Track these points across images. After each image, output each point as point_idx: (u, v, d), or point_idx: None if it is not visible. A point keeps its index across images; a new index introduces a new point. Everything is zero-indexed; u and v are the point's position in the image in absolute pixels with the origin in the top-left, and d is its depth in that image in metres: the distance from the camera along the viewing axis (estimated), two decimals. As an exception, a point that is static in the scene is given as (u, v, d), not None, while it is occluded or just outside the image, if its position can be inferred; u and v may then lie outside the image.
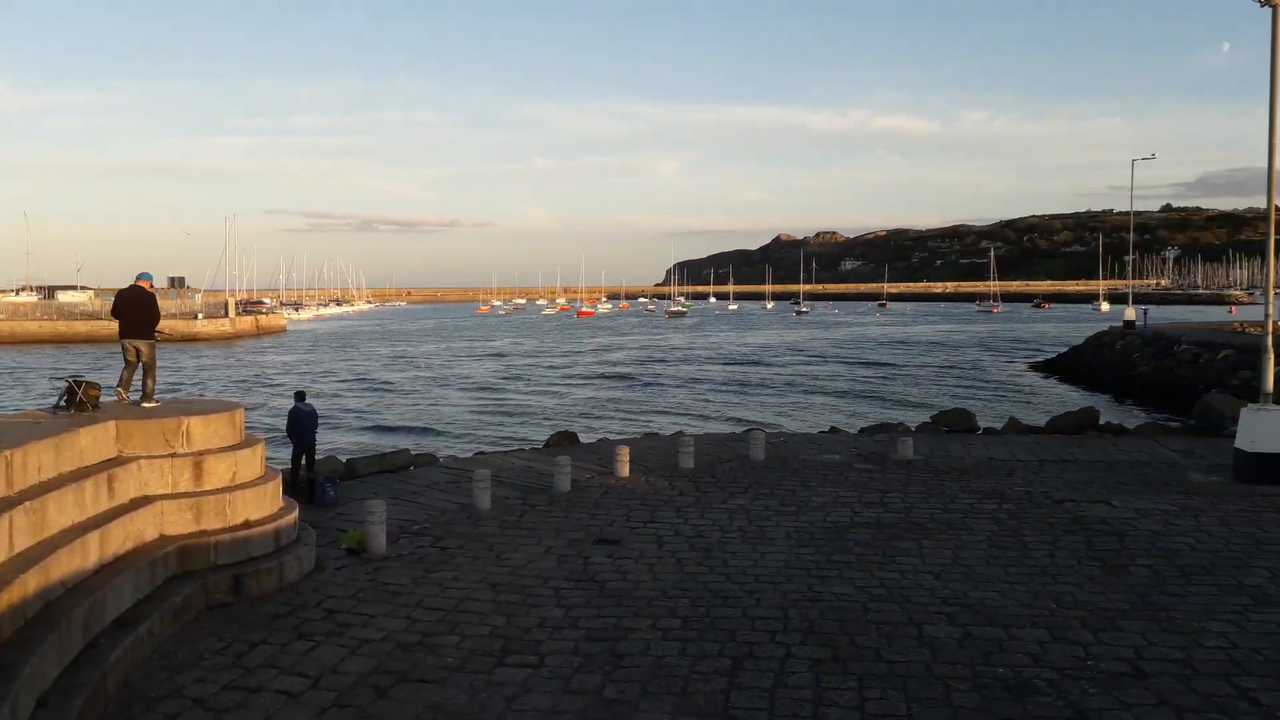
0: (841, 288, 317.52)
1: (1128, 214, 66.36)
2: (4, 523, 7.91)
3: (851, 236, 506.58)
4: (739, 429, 29.98)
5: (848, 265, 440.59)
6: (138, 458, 10.72)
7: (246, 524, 11.02)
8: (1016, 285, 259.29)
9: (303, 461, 15.39)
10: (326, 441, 30.45)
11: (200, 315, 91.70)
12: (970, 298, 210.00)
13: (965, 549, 12.27)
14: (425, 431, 35.47)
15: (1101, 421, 23.21)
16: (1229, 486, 15.88)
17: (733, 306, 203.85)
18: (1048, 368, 56.59)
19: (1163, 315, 73.90)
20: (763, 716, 7.46)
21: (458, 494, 15.62)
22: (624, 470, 17.23)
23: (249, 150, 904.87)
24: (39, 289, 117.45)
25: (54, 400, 11.79)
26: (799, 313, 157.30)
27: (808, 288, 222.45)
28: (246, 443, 11.91)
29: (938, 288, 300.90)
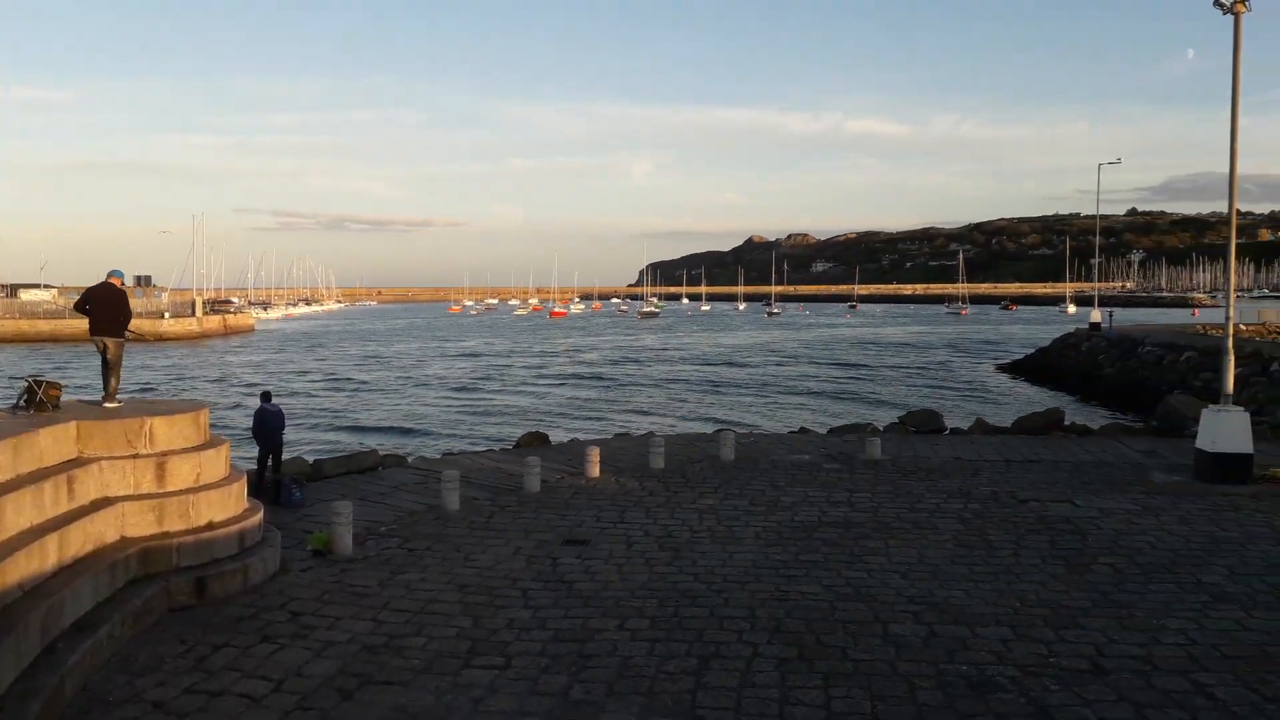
0: (813, 289, 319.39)
1: (1094, 218, 67.26)
2: (-41, 525, 7.77)
3: (823, 238, 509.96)
4: (710, 429, 30.05)
5: (819, 267, 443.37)
6: (99, 459, 10.56)
7: (210, 525, 10.90)
8: (985, 287, 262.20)
9: (269, 462, 15.24)
10: (294, 442, 30.22)
11: (167, 314, 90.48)
12: (939, 299, 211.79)
13: (931, 548, 12.37)
14: (394, 432, 35.26)
15: (1067, 422, 23.50)
16: (1190, 486, 16.14)
17: (705, 308, 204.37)
18: (1015, 369, 57.22)
19: (1128, 317, 74.97)
20: (729, 716, 7.48)
21: (426, 495, 15.54)
22: (594, 471, 17.22)
23: (219, 148, 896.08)
24: (2, 287, 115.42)
25: (13, 400, 11.59)
26: (770, 314, 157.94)
27: (779, 289, 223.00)
28: (211, 443, 11.77)
29: (907, 289, 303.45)
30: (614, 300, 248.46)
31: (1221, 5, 16.63)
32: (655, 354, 76.24)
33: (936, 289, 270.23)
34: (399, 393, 48.89)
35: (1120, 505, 14.71)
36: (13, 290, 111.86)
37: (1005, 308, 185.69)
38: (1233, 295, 17.81)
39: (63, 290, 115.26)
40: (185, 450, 11.27)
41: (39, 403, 11.14)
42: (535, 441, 21.68)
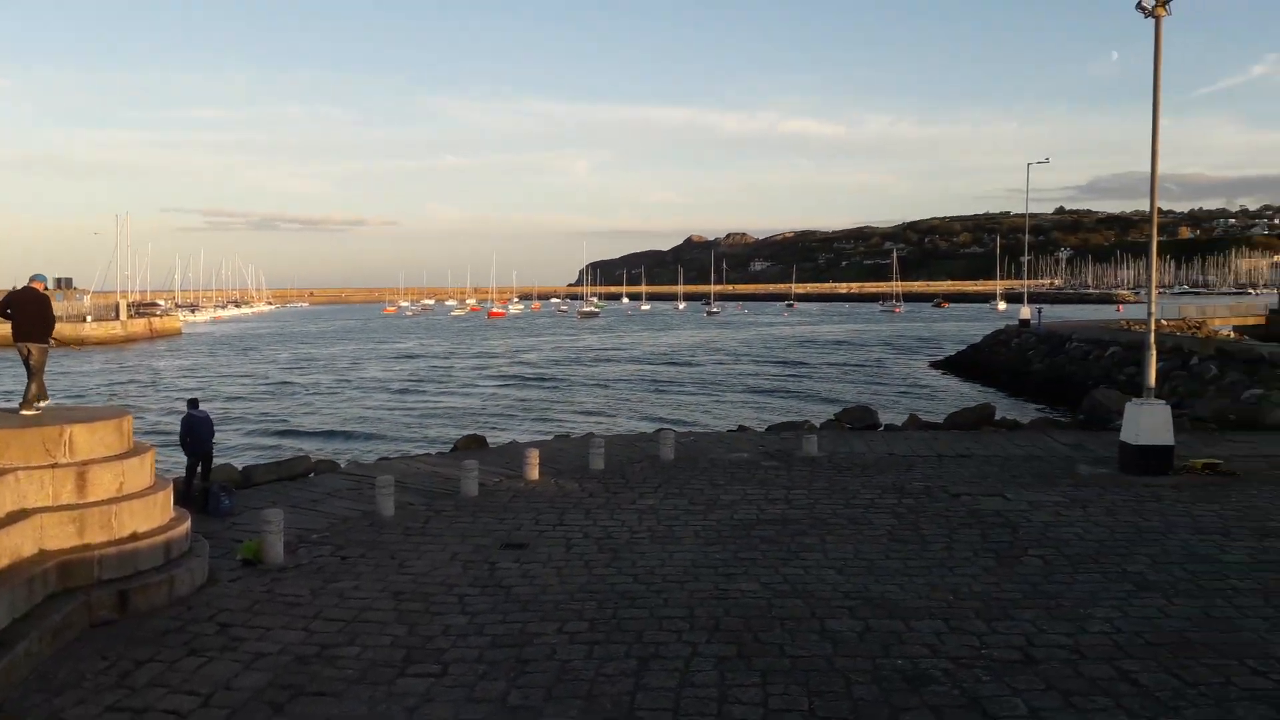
0: (751, 288, 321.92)
1: (1024, 216, 69.08)
2: None
3: (761, 238, 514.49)
4: (651, 428, 30.09)
5: (757, 266, 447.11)
6: (15, 469, 10.15)
7: (134, 536, 10.55)
8: (918, 285, 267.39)
9: (198, 470, 14.85)
10: (225, 448, 29.51)
11: (89, 318, 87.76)
12: (874, 298, 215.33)
13: (866, 543, 12.54)
14: (328, 436, 34.64)
15: (997, 417, 24.05)
16: (1115, 478, 16.61)
17: (645, 307, 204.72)
18: (948, 365, 58.41)
19: (1056, 314, 76.92)
20: (668, 717, 7.47)
21: (360, 501, 15.27)
22: (533, 473, 17.10)
23: (143, 144, 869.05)
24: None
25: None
26: (710, 313, 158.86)
27: (718, 288, 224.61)
28: (135, 451, 11.41)
29: (843, 288, 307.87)
30: (554, 300, 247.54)
31: (1143, 9, 17.15)
32: (595, 354, 76.14)
33: (871, 287, 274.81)
34: (333, 396, 48.06)
35: (1049, 498, 15.08)
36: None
37: (938, 305, 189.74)
38: (1155, 292, 18.35)
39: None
40: (107, 459, 10.90)
41: (-51, 412, 10.68)
42: (473, 444, 21.46)
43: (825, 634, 9.22)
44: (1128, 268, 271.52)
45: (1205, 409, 24.14)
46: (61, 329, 76.16)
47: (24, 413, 11.58)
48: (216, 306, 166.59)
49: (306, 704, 7.76)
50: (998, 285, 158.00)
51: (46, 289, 12.55)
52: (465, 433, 25.82)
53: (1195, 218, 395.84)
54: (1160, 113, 17.47)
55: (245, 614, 9.94)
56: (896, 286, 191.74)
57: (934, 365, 60.54)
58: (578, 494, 15.83)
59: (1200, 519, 13.60)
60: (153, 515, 10.93)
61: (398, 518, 14.20)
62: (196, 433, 14.78)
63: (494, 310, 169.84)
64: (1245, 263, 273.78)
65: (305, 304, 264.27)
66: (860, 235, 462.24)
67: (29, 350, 12.06)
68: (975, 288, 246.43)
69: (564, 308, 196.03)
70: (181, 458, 15.16)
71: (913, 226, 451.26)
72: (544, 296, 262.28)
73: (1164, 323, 50.30)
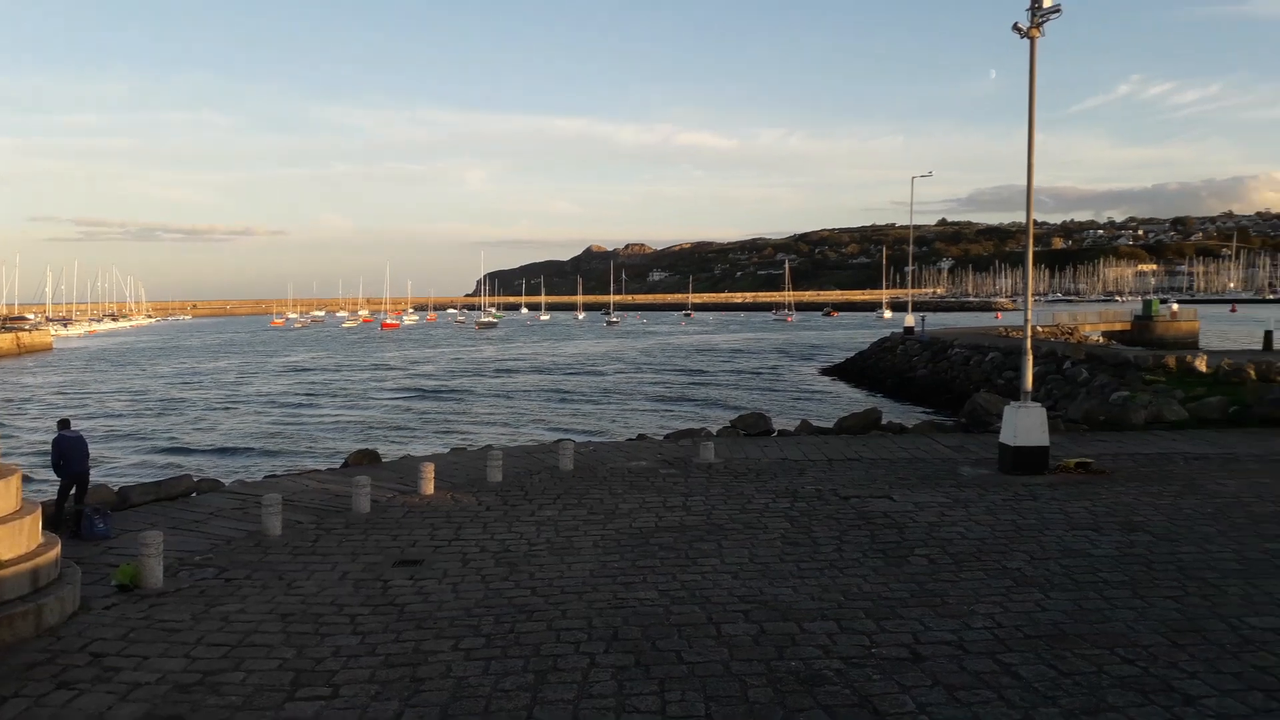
0: (650, 298, 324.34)
1: (908, 228, 71.51)
2: None
3: (659, 248, 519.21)
4: (551, 439, 29.94)
5: (656, 276, 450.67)
6: None
7: (-3, 565, 9.93)
8: (809, 295, 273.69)
9: (71, 493, 14.07)
10: (108, 469, 28.08)
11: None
12: (767, 307, 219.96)
13: (761, 547, 12.74)
14: (212, 454, 33.33)
15: (884, 421, 24.76)
16: (995, 478, 17.31)
17: (545, 317, 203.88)
18: (837, 372, 60.00)
19: (939, 321, 79.88)
20: (565, 729, 7.43)
21: (246, 521, 14.72)
22: (429, 488, 16.79)
23: (8, 150, 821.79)
24: None
25: None
26: (610, 323, 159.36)
27: (618, 298, 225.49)
28: (-4, 475, 10.75)
29: (738, 298, 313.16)
30: (450, 310, 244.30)
31: (1019, 30, 18.00)
32: (496, 365, 75.37)
33: (765, 297, 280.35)
34: (217, 413, 46.26)
35: (933, 499, 15.60)
36: None
37: (827, 314, 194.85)
38: (1030, 300, 19.24)
39: None
40: (-35, 483, 10.24)
41: None
42: (365, 460, 20.94)
43: (721, 639, 9.32)
44: (1006, 276, 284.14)
45: (1077, 411, 25.39)
46: (-84, 345, 71.44)
47: None
48: (92, 320, 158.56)
49: (187, 734, 7.42)
50: (884, 294, 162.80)
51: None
52: (357, 448, 25.18)
53: (1068, 229, 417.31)
54: (1035, 129, 18.33)
55: (120, 642, 9.45)
56: (788, 296, 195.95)
57: (824, 372, 62.07)
58: (474, 508, 15.62)
59: (1073, 515, 14.29)
60: (18, 541, 10.31)
61: (285, 537, 13.74)
62: (67, 454, 14.01)
63: (387, 321, 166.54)
64: (1112, 271, 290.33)
65: (188, 317, 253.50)
66: (754, 246, 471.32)
67: None
68: (863, 296, 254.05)
69: (461, 318, 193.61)
70: (54, 480, 14.35)
71: (803, 238, 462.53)
72: (440, 307, 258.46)
73: (1039, 329, 52.78)
